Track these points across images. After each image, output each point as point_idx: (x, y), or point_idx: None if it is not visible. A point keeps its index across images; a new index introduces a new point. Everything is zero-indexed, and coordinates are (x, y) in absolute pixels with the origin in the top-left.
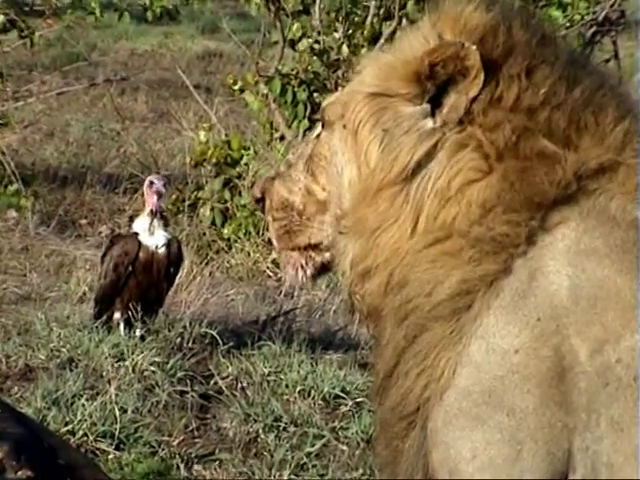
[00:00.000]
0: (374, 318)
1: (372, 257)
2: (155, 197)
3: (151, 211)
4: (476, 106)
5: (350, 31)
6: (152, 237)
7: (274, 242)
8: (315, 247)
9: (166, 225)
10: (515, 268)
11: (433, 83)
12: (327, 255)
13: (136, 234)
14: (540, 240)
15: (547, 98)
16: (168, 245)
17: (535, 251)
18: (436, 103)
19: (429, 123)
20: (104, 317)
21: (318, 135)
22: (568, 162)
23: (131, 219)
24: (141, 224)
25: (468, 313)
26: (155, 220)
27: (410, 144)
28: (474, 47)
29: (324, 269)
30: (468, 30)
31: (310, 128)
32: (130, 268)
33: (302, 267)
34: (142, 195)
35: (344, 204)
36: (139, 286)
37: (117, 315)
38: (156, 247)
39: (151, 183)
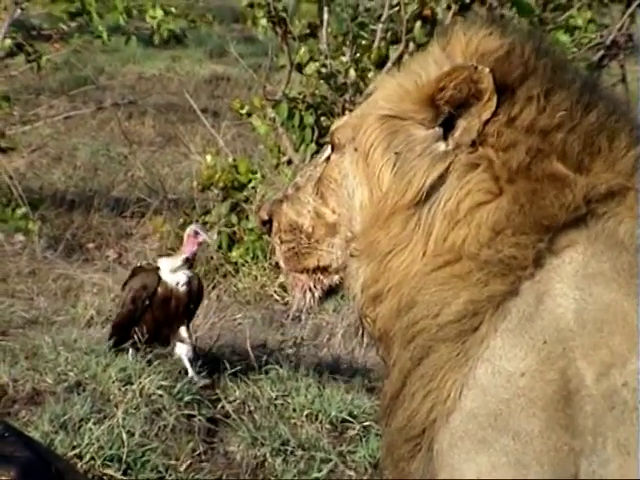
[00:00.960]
0: (384, 341)
1: (383, 281)
2: (196, 247)
3: (187, 259)
4: (489, 127)
5: (357, 55)
6: (174, 274)
7: (282, 264)
8: (324, 270)
9: (190, 267)
10: (522, 290)
11: (446, 106)
12: (335, 278)
13: (158, 268)
14: (548, 263)
15: (564, 121)
16: (189, 282)
17: (542, 274)
18: (448, 126)
19: (441, 146)
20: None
21: (327, 158)
22: (578, 185)
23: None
24: (168, 264)
25: (474, 335)
26: (185, 266)
27: (423, 168)
28: (487, 70)
29: (331, 291)
30: (481, 54)
31: (317, 152)
32: (147, 302)
33: (310, 290)
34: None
35: (355, 227)
36: (155, 320)
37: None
38: (177, 284)
39: (196, 233)
